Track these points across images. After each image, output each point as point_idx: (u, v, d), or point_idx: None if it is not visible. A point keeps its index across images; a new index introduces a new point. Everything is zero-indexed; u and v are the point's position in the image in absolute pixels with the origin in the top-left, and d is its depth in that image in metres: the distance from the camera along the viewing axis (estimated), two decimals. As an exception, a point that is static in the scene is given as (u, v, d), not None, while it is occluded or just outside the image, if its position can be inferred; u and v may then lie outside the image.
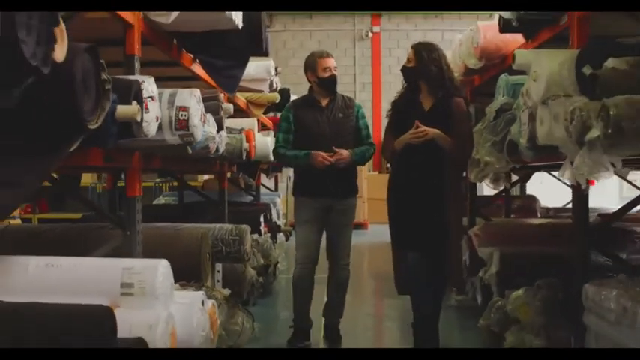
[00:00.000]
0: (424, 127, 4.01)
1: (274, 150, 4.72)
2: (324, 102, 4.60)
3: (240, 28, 3.90)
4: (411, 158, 4.12)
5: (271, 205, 8.03)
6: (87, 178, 9.94)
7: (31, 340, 2.00)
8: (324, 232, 4.62)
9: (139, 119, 2.38)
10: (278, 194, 9.97)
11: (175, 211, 6.57)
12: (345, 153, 4.41)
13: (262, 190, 9.29)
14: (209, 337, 3.02)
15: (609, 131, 2.16)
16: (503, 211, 6.98)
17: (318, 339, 4.67)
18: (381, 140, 4.49)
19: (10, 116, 1.59)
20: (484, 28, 4.73)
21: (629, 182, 8.23)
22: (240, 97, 6.59)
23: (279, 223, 8.29)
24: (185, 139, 2.98)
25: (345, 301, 4.74)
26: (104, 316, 2.04)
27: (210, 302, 3.09)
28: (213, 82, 4.84)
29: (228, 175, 6.52)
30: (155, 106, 2.67)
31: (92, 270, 2.74)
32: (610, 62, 2.47)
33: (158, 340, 2.48)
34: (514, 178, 6.40)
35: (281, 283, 6.83)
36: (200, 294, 2.99)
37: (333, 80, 4.56)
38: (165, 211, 6.65)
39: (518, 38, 4.31)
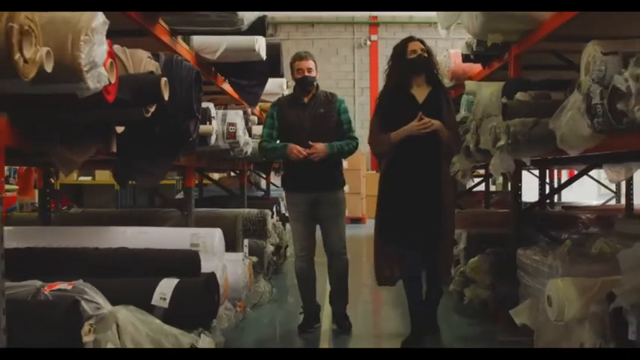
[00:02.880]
0: (428, 119, 4.07)
1: (259, 144, 4.89)
2: (306, 99, 4.74)
3: (264, 59, 5.11)
4: (410, 150, 4.14)
5: (280, 199, 9.25)
6: (104, 177, 11.00)
7: (148, 270, 3.21)
8: (320, 226, 4.79)
9: (213, 135, 3.62)
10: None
11: (205, 201, 7.73)
12: (319, 147, 4.52)
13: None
14: (247, 285, 4.25)
15: (510, 141, 3.40)
16: (482, 204, 8.23)
17: (326, 326, 4.89)
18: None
19: (150, 135, 2.79)
20: (454, 55, 5.91)
21: (601, 183, 9.56)
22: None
23: (287, 214, 9.47)
24: (232, 145, 4.24)
25: (347, 288, 4.88)
26: (194, 256, 3.27)
27: (247, 261, 4.32)
28: (236, 96, 6.05)
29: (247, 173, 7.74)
30: (215, 124, 3.91)
31: (170, 235, 3.97)
32: (519, 95, 3.72)
33: (218, 281, 3.70)
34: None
35: (289, 265, 7.97)
36: (241, 255, 4.23)
37: (303, 82, 4.71)
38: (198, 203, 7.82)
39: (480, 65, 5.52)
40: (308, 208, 4.68)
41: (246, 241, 5.29)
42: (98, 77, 1.76)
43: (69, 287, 2.41)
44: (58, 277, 2.66)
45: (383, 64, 19.01)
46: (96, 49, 1.75)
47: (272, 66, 5.45)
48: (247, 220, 5.67)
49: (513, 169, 3.65)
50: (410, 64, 4.27)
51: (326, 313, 5.00)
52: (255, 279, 5.30)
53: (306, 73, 4.71)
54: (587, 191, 12.74)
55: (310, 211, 4.69)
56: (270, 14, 4.21)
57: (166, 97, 2.31)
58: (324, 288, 5.23)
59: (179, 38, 4.23)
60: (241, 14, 3.60)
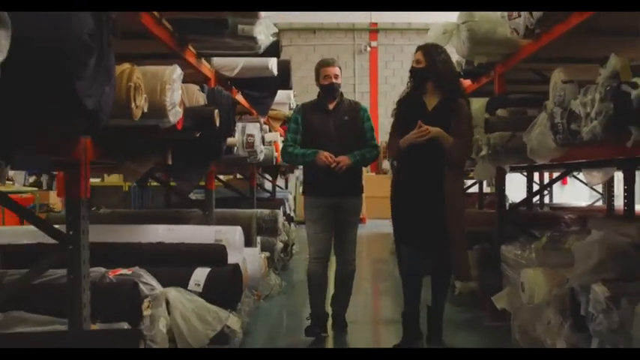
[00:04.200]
0: (426, 126, 4.08)
1: (283, 148, 4.91)
2: (331, 105, 4.77)
3: (276, 74, 5.69)
4: (414, 157, 4.19)
5: (285, 200, 9.85)
6: (113, 178, 11.57)
7: (183, 262, 3.79)
8: (334, 230, 4.78)
9: (238, 145, 4.21)
10: (289, 191, 11.77)
11: (218, 202, 8.29)
12: (343, 160, 4.55)
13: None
14: (262, 276, 4.82)
15: (490, 152, 4.00)
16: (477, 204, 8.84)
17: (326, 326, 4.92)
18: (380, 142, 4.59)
19: (194, 150, 3.36)
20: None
21: (589, 186, 10.12)
22: (264, 114, 8.43)
23: (292, 214, 10.08)
24: (250, 153, 4.83)
25: (350, 293, 4.94)
26: (222, 250, 3.85)
27: (262, 255, 4.90)
28: (248, 106, 6.62)
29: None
30: (236, 135, 4.51)
31: (196, 231, 4.53)
32: (499, 111, 4.32)
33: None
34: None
35: (295, 262, 8.54)
36: (258, 250, 4.80)
37: (330, 88, 4.74)
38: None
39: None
40: (328, 212, 4.69)
41: (258, 238, 5.86)
42: (176, 113, 2.35)
43: (129, 272, 2.99)
44: (113, 266, 3.24)
45: (382, 70, 19.63)
46: (175, 93, 2.34)
47: (282, 80, 6.02)
48: (260, 219, 6.27)
49: (494, 176, 4.26)
50: (412, 72, 4.37)
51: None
52: (267, 272, 5.87)
53: (334, 80, 4.74)
54: (580, 193, 13.37)
55: (330, 215, 4.70)
56: (273, 21, 4.55)
57: (218, 124, 2.91)
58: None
59: (203, 59, 4.82)
60: (260, 41, 4.17)
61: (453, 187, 4.20)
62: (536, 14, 3.70)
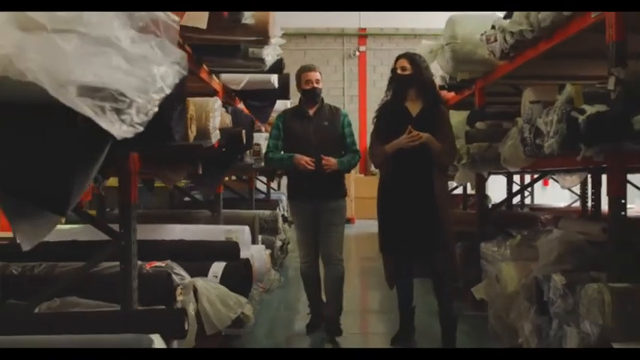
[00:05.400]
0: (417, 132, 4.18)
1: (265, 154, 5.01)
2: (311, 111, 4.84)
3: (276, 87, 6.22)
4: (403, 162, 4.26)
5: (279, 201, 10.38)
6: (112, 181, 12.04)
7: (201, 256, 4.32)
8: (318, 232, 4.86)
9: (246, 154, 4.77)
10: (283, 193, 12.28)
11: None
12: (332, 160, 4.65)
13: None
14: (267, 269, 5.36)
15: (469, 160, 4.59)
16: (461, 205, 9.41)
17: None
18: (367, 146, 4.75)
19: (216, 160, 3.90)
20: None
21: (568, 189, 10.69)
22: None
23: (286, 215, 10.60)
24: (256, 160, 5.38)
25: (342, 296, 4.94)
26: (235, 246, 4.39)
27: (267, 251, 5.44)
28: (248, 112, 7.14)
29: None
30: (245, 144, 5.08)
31: (208, 231, 5.06)
32: (478, 124, 4.90)
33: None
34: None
35: (290, 259, 9.02)
36: (263, 246, 5.35)
37: (312, 93, 4.81)
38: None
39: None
40: (312, 216, 4.79)
41: (260, 237, 6.40)
42: (216, 135, 2.91)
43: (163, 265, 3.52)
44: (143, 260, 3.76)
45: (371, 74, 20.17)
46: (215, 120, 2.90)
47: (282, 91, 6.55)
48: (262, 220, 6.81)
49: (473, 180, 4.84)
50: (396, 79, 4.43)
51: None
52: (270, 267, 6.41)
53: (315, 85, 4.82)
54: (560, 194, 13.99)
55: (314, 219, 4.80)
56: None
57: (245, 142, 3.49)
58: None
59: (213, 75, 5.35)
60: (267, 62, 4.69)
61: (441, 190, 4.33)
62: (510, 40, 4.26)
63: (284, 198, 11.47)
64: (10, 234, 9.92)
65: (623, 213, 3.08)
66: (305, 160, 4.62)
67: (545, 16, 3.58)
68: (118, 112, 1.21)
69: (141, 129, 1.30)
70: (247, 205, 8.19)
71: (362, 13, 18.51)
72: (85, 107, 1.15)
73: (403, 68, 4.35)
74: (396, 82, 4.43)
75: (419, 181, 4.26)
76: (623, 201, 3.08)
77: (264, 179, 11.11)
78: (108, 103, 1.18)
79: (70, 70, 1.13)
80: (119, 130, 1.23)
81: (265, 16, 3.56)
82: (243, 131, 3.60)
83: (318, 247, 4.87)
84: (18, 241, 1.43)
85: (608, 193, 3.06)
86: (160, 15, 1.45)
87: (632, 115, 2.50)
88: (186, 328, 2.73)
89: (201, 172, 3.57)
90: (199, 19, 2.74)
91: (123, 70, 1.23)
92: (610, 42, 3.03)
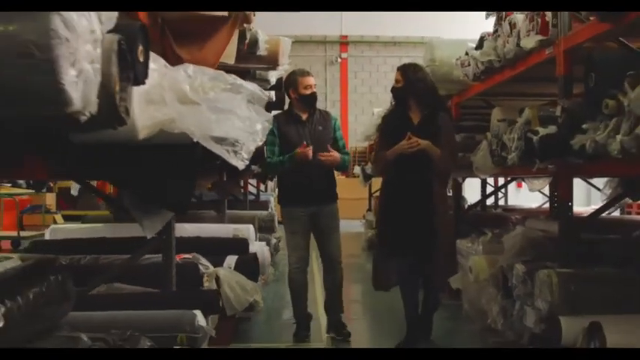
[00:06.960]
0: (416, 138, 4.31)
1: (265, 162, 5.00)
2: (304, 116, 4.87)
3: (274, 100, 6.89)
4: (404, 168, 4.39)
5: (268, 202, 11.05)
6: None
7: (215, 251, 4.98)
8: (316, 237, 5.01)
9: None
10: (272, 194, 12.95)
11: (210, 204, 9.45)
12: (335, 153, 4.79)
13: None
14: (269, 262, 6.05)
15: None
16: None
17: (321, 335, 5.20)
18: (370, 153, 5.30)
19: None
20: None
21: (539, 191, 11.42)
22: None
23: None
24: (259, 167, 6.07)
25: (342, 296, 5.08)
26: (245, 242, 5.06)
27: (268, 247, 6.12)
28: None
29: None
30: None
31: (217, 229, 5.72)
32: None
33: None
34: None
35: (280, 256, 9.67)
36: (264, 243, 6.02)
37: (313, 97, 4.85)
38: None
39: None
40: (306, 221, 4.88)
41: (257, 235, 7.06)
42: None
43: (190, 257, 4.18)
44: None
45: (352, 79, 20.98)
46: None
47: (278, 102, 7.23)
48: (260, 219, 7.49)
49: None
50: (392, 91, 4.68)
51: (319, 321, 5.40)
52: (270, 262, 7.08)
53: (314, 89, 4.86)
54: (532, 196, 14.76)
55: (308, 224, 4.89)
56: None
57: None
58: (313, 297, 5.79)
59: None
60: (270, 82, 5.37)
61: (441, 195, 4.52)
62: (481, 67, 4.97)
63: (272, 199, 12.15)
64: (10, 233, 10.42)
65: (570, 213, 3.81)
66: (304, 152, 4.65)
67: (509, 50, 4.30)
68: (235, 152, 1.88)
69: (247, 162, 1.99)
70: (242, 205, 8.84)
71: (344, 20, 19.22)
72: (219, 149, 1.83)
73: (397, 81, 4.54)
74: (392, 94, 4.74)
75: (418, 186, 4.42)
76: (570, 203, 3.81)
77: (254, 182, 11.79)
78: (230, 147, 1.85)
79: (210, 129, 1.79)
80: (237, 162, 1.91)
81: (276, 47, 4.23)
82: (265, 147, 4.26)
83: (320, 251, 5.03)
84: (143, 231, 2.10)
85: (558, 198, 3.79)
86: (257, 91, 2.14)
87: (573, 136, 3.21)
88: (221, 305, 3.40)
89: (225, 179, 4.23)
90: (230, 56, 3.39)
91: (238, 127, 1.89)
92: (559, 75, 3.76)
